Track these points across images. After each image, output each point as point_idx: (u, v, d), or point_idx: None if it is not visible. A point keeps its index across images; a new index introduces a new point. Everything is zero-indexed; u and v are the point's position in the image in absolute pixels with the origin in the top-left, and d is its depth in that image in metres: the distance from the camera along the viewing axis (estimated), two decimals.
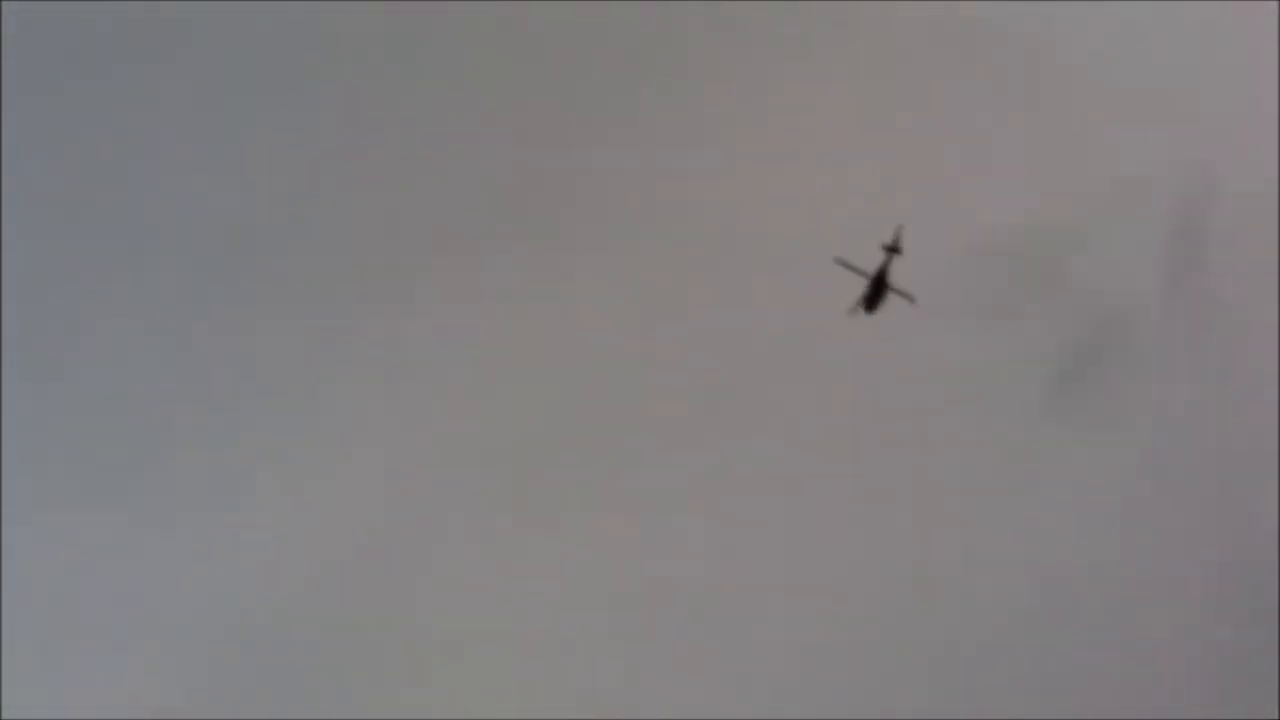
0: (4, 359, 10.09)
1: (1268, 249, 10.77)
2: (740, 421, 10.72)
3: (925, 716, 10.24)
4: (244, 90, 10.27)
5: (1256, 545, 10.89)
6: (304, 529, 10.17)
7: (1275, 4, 10.86)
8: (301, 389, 10.46)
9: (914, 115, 10.57)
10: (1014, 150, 10.68)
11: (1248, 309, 10.68)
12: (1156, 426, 11.00)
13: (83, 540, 9.97)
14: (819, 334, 10.22)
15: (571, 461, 10.30)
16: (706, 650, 10.34)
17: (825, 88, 10.65)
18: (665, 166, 10.69)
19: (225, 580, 10.12)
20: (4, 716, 10.05)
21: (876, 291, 9.92)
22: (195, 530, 10.23)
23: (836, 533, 10.21)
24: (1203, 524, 11.05)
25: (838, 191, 10.41)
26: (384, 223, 10.63)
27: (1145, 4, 10.78)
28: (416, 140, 10.36)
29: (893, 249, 9.89)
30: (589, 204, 10.70)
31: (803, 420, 10.72)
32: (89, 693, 9.84)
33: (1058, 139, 10.46)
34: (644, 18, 10.75)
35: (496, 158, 10.47)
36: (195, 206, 10.51)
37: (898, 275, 9.87)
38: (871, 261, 9.74)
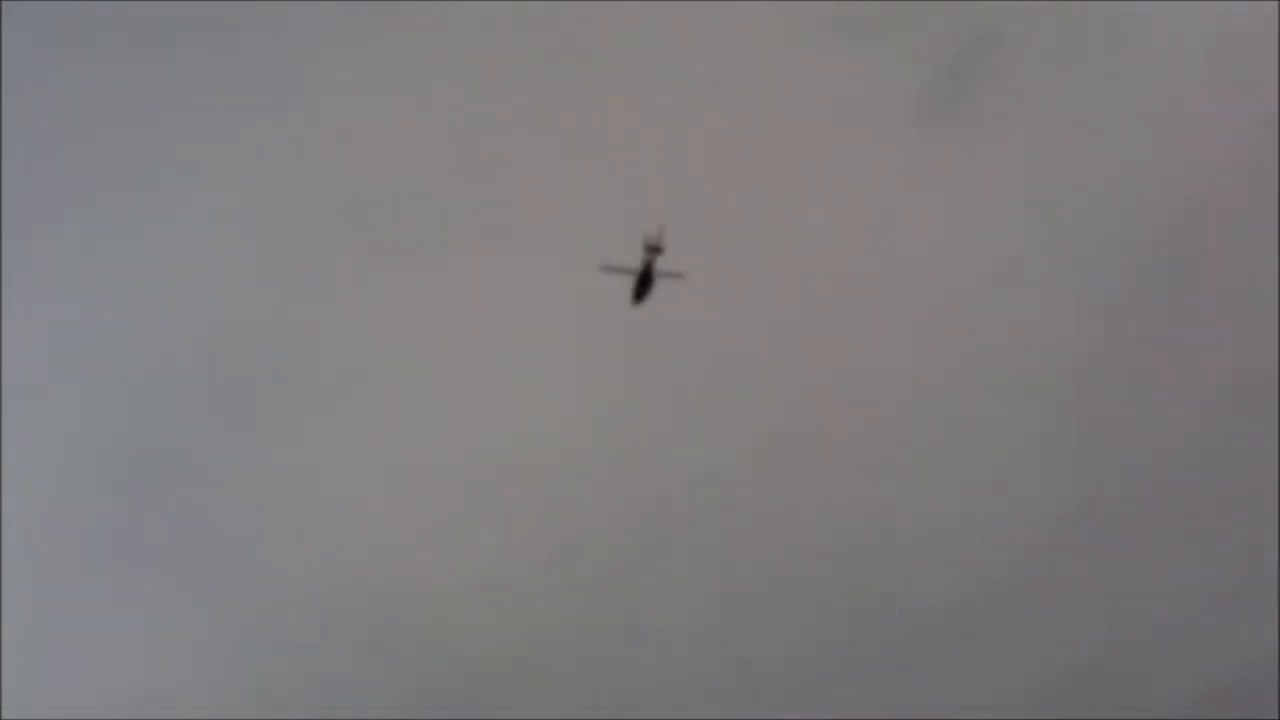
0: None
1: None
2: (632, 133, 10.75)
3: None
4: None
5: (1158, 210, 11.05)
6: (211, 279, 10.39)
7: None
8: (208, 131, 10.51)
9: None
10: None
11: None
12: (1032, 128, 11.03)
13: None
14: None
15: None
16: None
17: None
18: None
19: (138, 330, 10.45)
20: (4, 716, 10.19)
21: (644, 284, 10.48)
22: (113, 285, 10.52)
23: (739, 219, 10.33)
24: (1092, 206, 11.12)
25: None
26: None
27: None
28: None
29: (655, 249, 10.40)
30: None
31: (690, 141, 10.77)
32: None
33: None
34: None
35: None
36: None
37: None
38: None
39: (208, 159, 9.31)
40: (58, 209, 8.98)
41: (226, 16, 8.99)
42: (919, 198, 10.03)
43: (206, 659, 10.84)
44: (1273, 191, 13.80)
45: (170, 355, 9.72)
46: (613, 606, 11.08)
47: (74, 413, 9.51)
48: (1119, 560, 11.78)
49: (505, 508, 10.49)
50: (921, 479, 10.96)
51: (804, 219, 9.79)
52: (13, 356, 9.75)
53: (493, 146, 9.20)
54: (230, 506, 10.30)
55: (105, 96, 8.45)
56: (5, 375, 9.75)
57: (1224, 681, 10.97)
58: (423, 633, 10.85)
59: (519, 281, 9.89)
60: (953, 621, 11.63)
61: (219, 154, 9.08)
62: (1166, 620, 10.38)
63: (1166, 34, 13.61)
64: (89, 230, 9.19)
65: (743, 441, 10.66)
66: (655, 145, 9.35)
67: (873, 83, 10.03)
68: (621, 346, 10.02)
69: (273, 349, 9.90)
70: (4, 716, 11.05)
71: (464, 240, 9.41)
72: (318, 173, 9.39)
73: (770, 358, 10.17)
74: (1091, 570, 11.88)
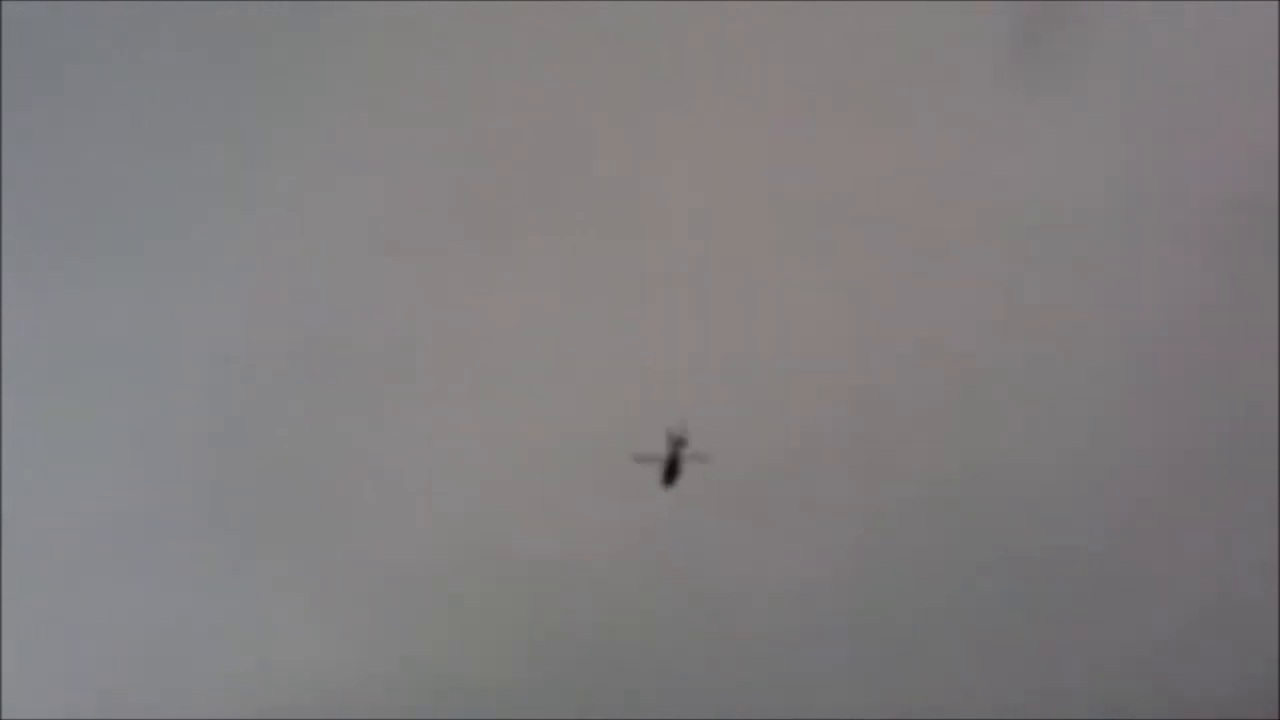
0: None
1: None
2: (706, 101, 11.22)
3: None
4: None
5: (1255, 177, 11.12)
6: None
7: None
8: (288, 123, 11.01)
9: None
10: None
11: None
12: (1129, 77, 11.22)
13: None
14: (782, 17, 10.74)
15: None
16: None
17: None
18: None
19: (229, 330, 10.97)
20: (4, 710, 10.62)
21: (671, 472, 11.40)
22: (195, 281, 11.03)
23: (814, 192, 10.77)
24: (1200, 159, 11.24)
25: None
26: None
27: None
28: None
29: (679, 442, 11.32)
30: None
31: (770, 97, 11.16)
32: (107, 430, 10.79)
33: None
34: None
35: None
36: None
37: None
38: None
39: (333, 150, 9.60)
40: (151, 192, 9.34)
41: (324, 14, 9.27)
42: (1010, 146, 9.97)
43: (318, 630, 11.32)
44: None
45: (288, 336, 10.12)
46: (720, 575, 11.23)
47: (192, 390, 9.94)
48: (1229, 512, 11.57)
49: (608, 485, 10.72)
50: (1022, 434, 10.87)
51: (897, 168, 9.81)
52: (134, 338, 10.20)
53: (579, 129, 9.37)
54: (349, 479, 10.71)
55: (192, 81, 8.76)
56: (129, 354, 10.21)
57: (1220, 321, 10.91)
58: (534, 601, 11.15)
59: (620, 262, 10.01)
60: (1067, 573, 11.56)
61: (347, 146, 9.36)
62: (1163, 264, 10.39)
63: None
64: (183, 217, 9.56)
65: (837, 407, 10.58)
66: (734, 111, 9.32)
67: (968, 35, 9.98)
68: (714, 321, 10.06)
69: (388, 328, 10.23)
70: (124, 689, 11.71)
71: (564, 221, 9.56)
72: (419, 156, 9.61)
73: (856, 318, 10.12)
74: (1201, 522, 11.65)
